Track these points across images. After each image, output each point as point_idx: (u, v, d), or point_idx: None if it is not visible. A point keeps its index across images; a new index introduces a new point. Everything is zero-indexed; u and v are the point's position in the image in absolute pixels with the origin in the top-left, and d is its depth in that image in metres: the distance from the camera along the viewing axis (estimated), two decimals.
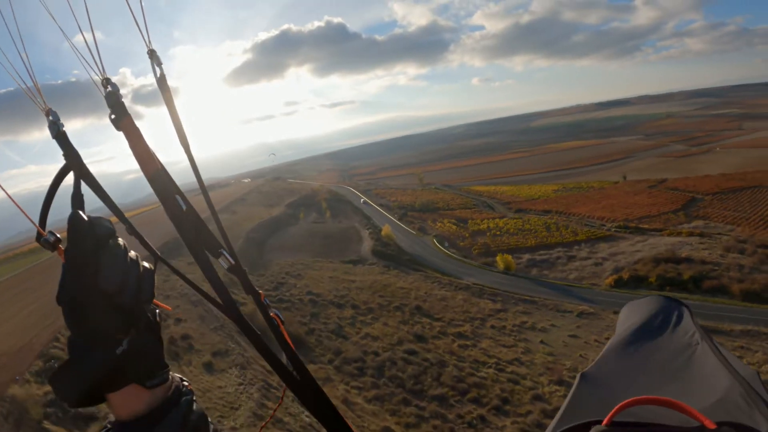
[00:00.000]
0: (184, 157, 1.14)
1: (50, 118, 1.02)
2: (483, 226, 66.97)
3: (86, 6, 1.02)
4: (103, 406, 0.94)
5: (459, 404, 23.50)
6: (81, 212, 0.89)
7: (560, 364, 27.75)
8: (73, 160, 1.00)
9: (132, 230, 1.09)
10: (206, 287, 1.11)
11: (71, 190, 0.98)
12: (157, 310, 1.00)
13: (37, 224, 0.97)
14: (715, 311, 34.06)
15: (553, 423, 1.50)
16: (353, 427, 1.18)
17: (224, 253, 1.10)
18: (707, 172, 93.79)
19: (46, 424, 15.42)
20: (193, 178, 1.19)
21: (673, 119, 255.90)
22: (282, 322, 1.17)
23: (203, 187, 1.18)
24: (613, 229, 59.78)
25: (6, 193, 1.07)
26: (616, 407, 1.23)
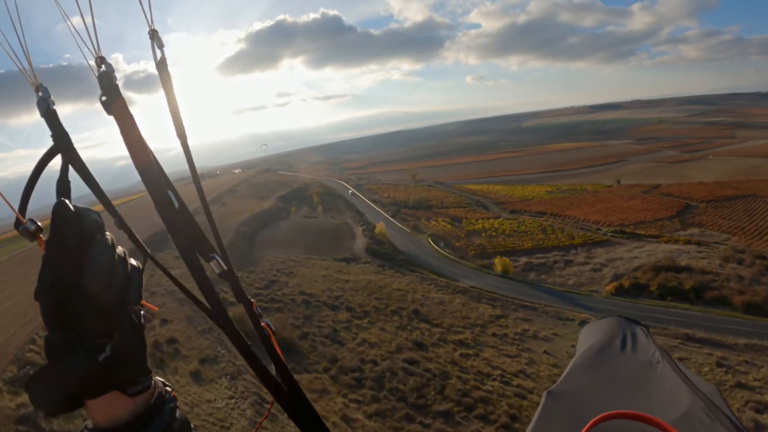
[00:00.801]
0: (176, 144, 1.05)
1: (40, 93, 0.94)
2: (478, 226, 66.02)
3: None
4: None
5: (465, 421, 22.02)
6: (68, 202, 0.82)
7: None
8: (62, 142, 0.92)
9: (121, 224, 0.99)
10: (194, 288, 1.04)
11: (57, 175, 0.91)
12: (142, 311, 0.93)
13: (17, 210, 0.90)
14: (718, 323, 33.55)
15: None
16: None
17: (216, 257, 1.02)
18: (700, 178, 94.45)
19: None
20: (184, 166, 1.09)
21: (665, 125, 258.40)
22: (273, 332, 1.10)
23: (197, 182, 1.11)
24: (609, 234, 59.38)
25: None
26: (590, 422, 1.25)
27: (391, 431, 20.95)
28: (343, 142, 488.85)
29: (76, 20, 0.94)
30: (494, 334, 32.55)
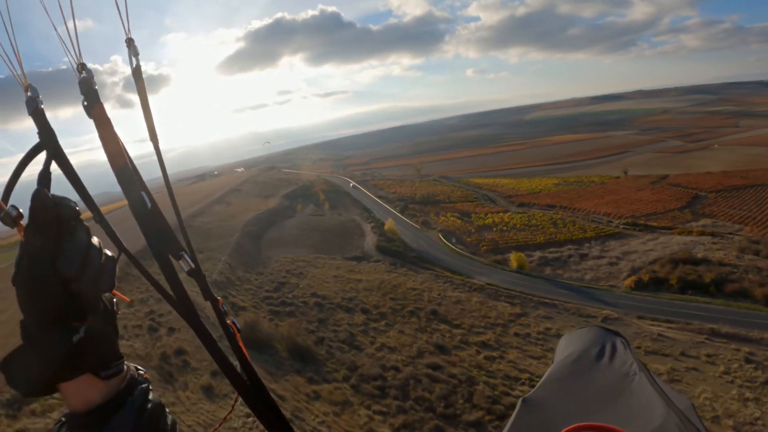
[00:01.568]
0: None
1: (29, 93, 0.98)
2: (488, 221, 65.19)
3: None
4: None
5: (498, 431, 20.94)
6: (46, 190, 0.88)
7: None
8: (48, 139, 0.96)
9: (100, 219, 1.04)
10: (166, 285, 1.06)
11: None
12: (115, 299, 1.00)
13: None
14: (742, 317, 32.75)
15: None
16: None
17: (185, 255, 1.06)
18: (706, 168, 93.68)
19: None
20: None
21: (668, 114, 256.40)
22: (239, 330, 1.14)
23: (168, 183, 1.16)
24: (621, 226, 58.67)
25: None
26: None
27: None
28: (345, 139, 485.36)
29: (67, 27, 1.01)
30: (516, 334, 31.55)
